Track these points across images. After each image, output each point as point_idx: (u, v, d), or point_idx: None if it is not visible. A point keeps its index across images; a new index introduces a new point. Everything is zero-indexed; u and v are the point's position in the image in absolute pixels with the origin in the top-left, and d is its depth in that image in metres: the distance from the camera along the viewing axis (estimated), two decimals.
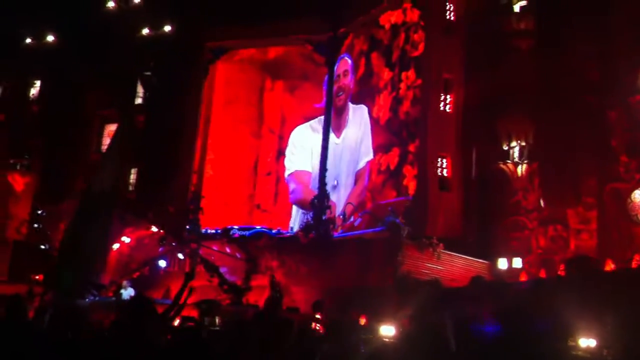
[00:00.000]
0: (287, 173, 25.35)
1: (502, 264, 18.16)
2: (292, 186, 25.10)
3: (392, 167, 21.96)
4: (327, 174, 22.39)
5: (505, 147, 19.61)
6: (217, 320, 11.12)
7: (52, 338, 6.47)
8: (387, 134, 22.40)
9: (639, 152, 17.87)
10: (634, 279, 12.62)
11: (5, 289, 15.12)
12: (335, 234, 20.71)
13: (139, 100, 26.95)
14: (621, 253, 16.34)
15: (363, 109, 23.57)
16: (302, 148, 25.09)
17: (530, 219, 18.94)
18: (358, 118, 23.70)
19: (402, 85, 21.90)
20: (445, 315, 6.61)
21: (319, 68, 24.51)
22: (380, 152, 22.58)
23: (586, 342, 7.70)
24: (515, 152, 19.51)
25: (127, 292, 17.16)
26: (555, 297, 11.15)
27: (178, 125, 24.16)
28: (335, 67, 23.92)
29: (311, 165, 24.31)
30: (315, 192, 22.33)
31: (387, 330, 8.90)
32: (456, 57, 20.21)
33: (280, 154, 25.87)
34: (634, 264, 14.84)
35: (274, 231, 21.73)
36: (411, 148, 21.07)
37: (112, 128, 26.75)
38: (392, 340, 8.19)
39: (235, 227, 21.57)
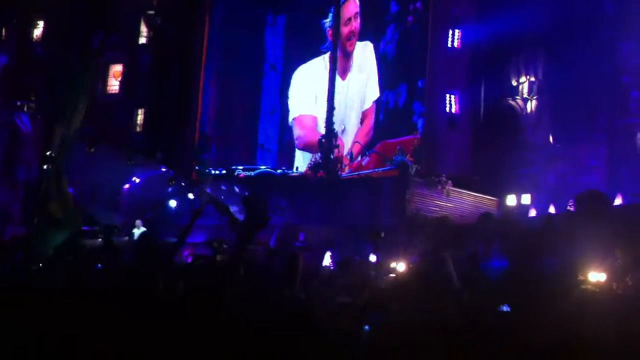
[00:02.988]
0: (291, 117, 24.83)
1: (510, 200, 18.18)
2: (297, 131, 24.61)
3: (400, 105, 21.78)
4: (335, 118, 22.06)
5: (514, 83, 19.40)
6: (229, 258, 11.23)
7: None
8: (394, 70, 22.12)
9: None
10: None
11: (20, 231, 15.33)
12: (343, 174, 20.72)
13: (142, 40, 26.65)
14: (631, 188, 16.33)
15: (369, 46, 23.12)
16: (306, 90, 24.43)
17: (540, 155, 18.88)
18: (364, 56, 23.24)
19: (410, 19, 21.51)
20: (445, 253, 6.65)
21: (324, 2, 23.84)
22: (387, 89, 22.32)
23: (596, 276, 7.73)
24: (525, 88, 19.30)
25: (139, 232, 17.34)
26: (565, 232, 11.18)
27: (184, 65, 23.93)
28: (342, 8, 23.20)
29: (316, 108, 23.86)
30: (322, 134, 22.18)
31: (397, 267, 8.99)
32: None
33: (284, 92, 25.38)
34: None
35: (278, 171, 21.74)
36: (420, 84, 20.84)
37: (117, 69, 26.53)
38: (401, 275, 8.29)
39: (240, 167, 21.58)
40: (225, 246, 10.30)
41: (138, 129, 25.06)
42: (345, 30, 23.29)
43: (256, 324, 4.71)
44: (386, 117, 22.37)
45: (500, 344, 5.36)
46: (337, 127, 22.09)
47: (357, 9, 23.41)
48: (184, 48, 24.15)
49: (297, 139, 24.42)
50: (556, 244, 9.71)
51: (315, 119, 23.81)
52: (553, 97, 18.98)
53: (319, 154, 21.34)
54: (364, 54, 23.19)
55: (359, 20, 23.41)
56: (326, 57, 23.44)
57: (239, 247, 6.71)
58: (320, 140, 21.66)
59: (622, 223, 10.88)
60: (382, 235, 13.60)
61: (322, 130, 22.17)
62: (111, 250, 7.63)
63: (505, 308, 6.58)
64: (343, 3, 23.19)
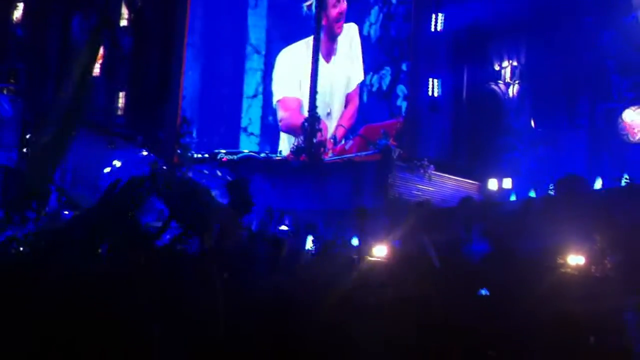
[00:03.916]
0: (275, 99, 24.72)
1: (492, 184, 18.29)
2: (280, 113, 24.52)
3: (384, 87, 21.76)
4: (320, 102, 21.96)
5: (497, 68, 19.45)
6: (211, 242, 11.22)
7: None
8: (378, 53, 22.07)
9: (632, 73, 17.78)
10: (622, 197, 12.77)
11: None
12: (326, 158, 20.71)
13: (124, 22, 26.32)
14: (611, 172, 16.49)
15: (353, 28, 23.03)
16: (290, 73, 24.30)
17: (521, 140, 19.00)
18: (348, 38, 23.16)
19: (394, 0, 21.45)
20: (425, 236, 6.69)
21: None
22: (371, 72, 22.27)
23: (575, 259, 7.83)
24: (507, 73, 19.36)
25: None
26: (545, 216, 11.28)
27: (165, 48, 23.69)
28: None
29: (300, 91, 23.76)
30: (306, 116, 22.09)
31: (379, 251, 9.02)
32: None
33: (267, 74, 25.25)
34: (623, 183, 15.00)
35: (262, 155, 21.67)
36: (404, 67, 20.83)
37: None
38: (383, 259, 8.32)
39: (223, 151, 21.48)
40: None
41: (119, 112, 24.81)
42: (333, 12, 23.09)
43: (241, 308, 4.71)
44: (370, 100, 22.37)
45: (479, 327, 5.40)
46: (322, 110, 21.99)
47: None
48: (165, 30, 23.91)
49: (280, 121, 24.32)
50: (536, 227, 9.80)
51: (300, 102, 23.71)
52: (535, 82, 19.08)
53: (302, 138, 21.29)
54: (349, 35, 23.09)
55: (346, 1, 23.24)
56: (309, 40, 23.30)
57: (223, 232, 6.71)
58: (303, 124, 21.60)
59: (601, 207, 11.00)
60: (367, 212, 13.61)
61: (307, 114, 22.11)
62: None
63: (484, 292, 6.64)
64: None
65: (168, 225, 9.89)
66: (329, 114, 22.65)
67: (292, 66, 24.14)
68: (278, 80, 24.53)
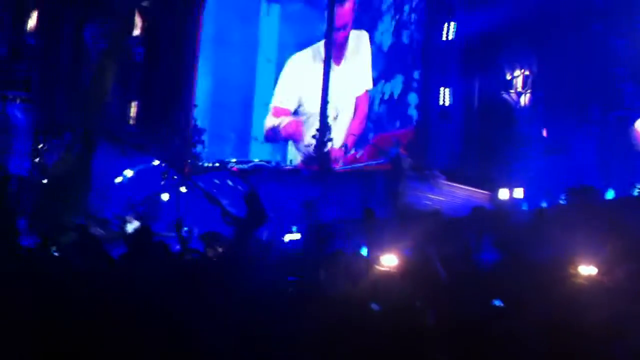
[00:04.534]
0: (271, 104, 24.54)
1: (503, 194, 18.20)
2: (271, 120, 24.12)
3: (395, 96, 21.75)
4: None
5: (509, 77, 19.41)
6: (220, 251, 11.25)
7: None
8: (390, 61, 22.07)
9: None
10: (634, 206, 12.68)
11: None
12: (337, 167, 20.70)
13: (137, 32, 26.48)
14: (622, 181, 16.40)
15: (364, 35, 23.03)
16: (289, 82, 24.13)
17: (533, 149, 18.94)
18: (358, 45, 23.14)
19: (407, 8, 21.47)
20: (431, 247, 6.65)
21: None
22: (382, 80, 22.25)
23: (586, 270, 7.76)
24: (519, 82, 19.32)
25: (132, 226, 17.26)
26: (556, 226, 11.21)
27: (178, 57, 23.80)
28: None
29: (296, 103, 23.58)
30: (299, 119, 22.08)
31: (389, 260, 8.98)
32: None
33: (277, 83, 25.23)
34: (635, 192, 14.92)
35: (272, 164, 21.68)
36: (415, 75, 20.81)
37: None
38: (393, 269, 8.28)
39: (233, 160, 21.51)
40: (216, 241, 10.29)
41: (131, 121, 24.92)
42: (341, 19, 23.01)
43: (257, 320, 4.72)
44: (381, 108, 22.35)
45: (492, 338, 5.37)
46: (329, 113, 22.00)
47: None
48: (177, 39, 24.03)
49: (273, 128, 23.84)
50: (547, 237, 9.74)
51: (288, 113, 23.62)
52: (547, 91, 19.05)
53: (314, 146, 21.27)
54: (359, 42, 23.07)
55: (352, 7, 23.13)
56: (318, 46, 23.27)
57: (237, 242, 6.72)
58: (314, 136, 21.52)
59: (613, 216, 10.93)
60: (374, 214, 13.54)
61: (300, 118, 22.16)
62: (88, 240, 7.63)
63: (497, 302, 6.59)
64: None
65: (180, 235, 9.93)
66: (336, 117, 22.56)
67: (292, 76, 24.10)
68: (278, 88, 24.45)
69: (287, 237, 15.58)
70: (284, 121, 23.49)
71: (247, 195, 6.41)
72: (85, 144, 12.95)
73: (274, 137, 23.40)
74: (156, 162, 19.63)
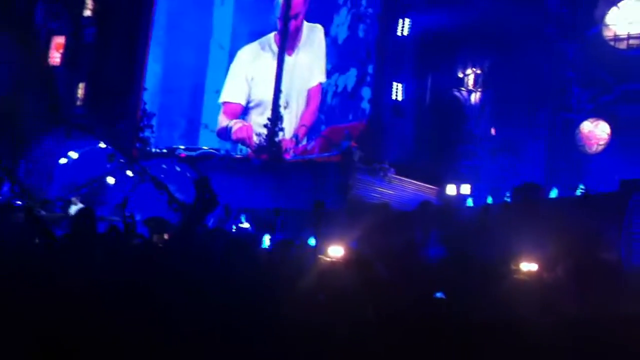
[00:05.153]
0: (220, 99, 24.21)
1: (450, 190, 18.44)
2: (222, 118, 23.80)
3: (348, 89, 21.74)
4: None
5: (460, 75, 19.63)
6: (165, 237, 11.09)
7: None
8: (344, 54, 22.04)
9: (592, 85, 18.12)
10: (576, 206, 12.97)
11: None
12: (288, 157, 20.62)
13: (87, 13, 25.88)
14: (567, 181, 16.78)
15: (318, 29, 22.95)
16: (238, 76, 23.85)
17: (481, 147, 19.21)
18: (312, 38, 23.04)
19: (363, 2, 21.47)
20: (370, 246, 6.66)
21: None
22: (337, 73, 22.22)
23: (528, 266, 7.91)
24: (470, 80, 19.56)
25: (76, 208, 16.87)
26: (500, 222, 11.40)
27: (129, 39, 23.35)
28: None
29: (246, 96, 23.37)
30: (248, 124, 22.05)
31: (335, 251, 8.98)
32: None
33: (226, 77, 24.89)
34: (578, 192, 15.27)
35: (222, 152, 21.45)
36: (369, 69, 20.84)
37: (59, 40, 25.73)
38: (339, 260, 8.28)
39: (182, 147, 21.23)
40: (162, 227, 10.14)
41: (79, 102, 24.38)
42: (293, 9, 22.92)
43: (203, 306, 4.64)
44: (334, 100, 22.31)
45: (434, 330, 5.40)
46: (280, 102, 21.87)
47: None
48: (129, 22, 23.57)
49: (224, 131, 23.62)
50: (492, 233, 9.89)
51: (240, 108, 23.39)
52: (497, 90, 19.32)
53: (265, 137, 21.16)
54: (313, 34, 22.97)
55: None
56: (268, 37, 23.10)
57: (186, 228, 6.60)
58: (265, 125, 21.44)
59: (555, 215, 11.16)
60: (324, 206, 13.55)
61: (251, 120, 22.12)
62: (33, 222, 7.43)
63: (439, 295, 6.64)
64: None
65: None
66: (287, 106, 22.39)
67: (242, 68, 23.83)
68: (227, 82, 24.10)
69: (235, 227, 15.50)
70: (236, 125, 23.19)
71: (199, 181, 6.28)
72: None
73: (226, 137, 23.11)
74: (102, 145, 19.21)
